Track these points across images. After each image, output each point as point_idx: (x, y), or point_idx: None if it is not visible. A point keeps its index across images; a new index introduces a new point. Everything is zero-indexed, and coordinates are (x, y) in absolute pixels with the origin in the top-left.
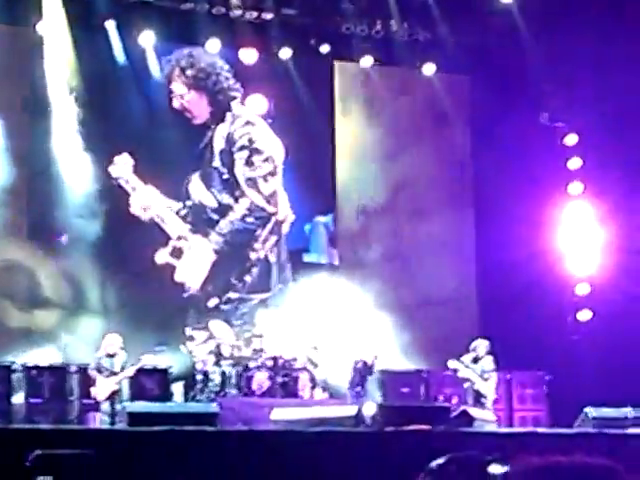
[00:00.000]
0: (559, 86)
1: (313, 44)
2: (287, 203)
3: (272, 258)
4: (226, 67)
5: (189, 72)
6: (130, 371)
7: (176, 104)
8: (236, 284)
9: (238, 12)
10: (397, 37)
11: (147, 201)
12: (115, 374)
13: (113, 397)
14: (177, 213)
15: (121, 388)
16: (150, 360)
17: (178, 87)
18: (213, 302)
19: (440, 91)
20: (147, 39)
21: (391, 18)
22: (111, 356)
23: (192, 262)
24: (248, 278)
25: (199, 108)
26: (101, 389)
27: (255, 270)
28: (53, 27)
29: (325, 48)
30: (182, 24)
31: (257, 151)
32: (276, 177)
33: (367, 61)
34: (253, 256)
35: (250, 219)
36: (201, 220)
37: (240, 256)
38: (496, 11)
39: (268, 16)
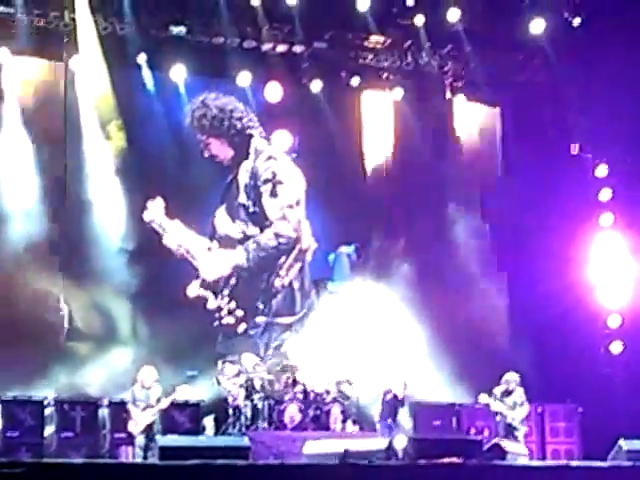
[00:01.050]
0: (589, 117)
1: (344, 77)
2: (309, 232)
3: (296, 285)
4: (240, 106)
5: (204, 121)
6: (165, 403)
7: (205, 153)
8: (262, 308)
9: (269, 45)
10: (427, 69)
11: (178, 239)
12: (151, 407)
13: (148, 430)
14: (206, 249)
15: (156, 421)
16: (184, 392)
17: (200, 136)
18: (242, 327)
19: (470, 123)
20: (178, 73)
21: (421, 50)
22: (147, 389)
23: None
24: (273, 303)
25: (223, 151)
26: (137, 422)
27: (280, 296)
28: (87, 62)
29: (356, 80)
30: (213, 58)
31: (280, 183)
32: (299, 207)
33: (398, 93)
34: (277, 283)
35: (273, 243)
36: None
37: (265, 281)
38: (525, 42)
39: (299, 49)
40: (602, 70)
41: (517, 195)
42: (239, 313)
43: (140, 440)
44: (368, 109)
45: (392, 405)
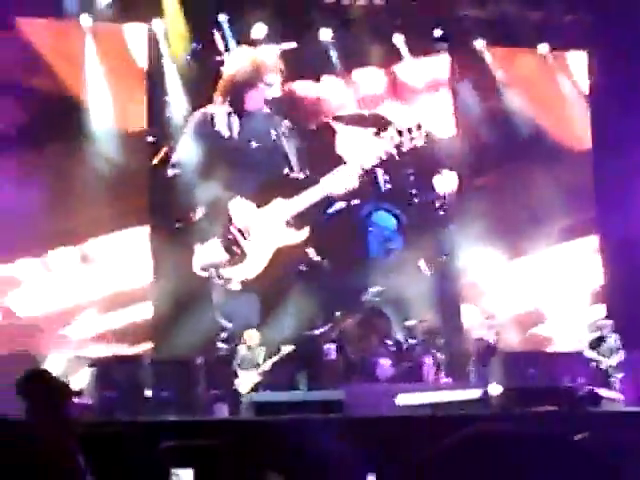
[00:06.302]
0: None
1: (426, 28)
2: None
3: None
4: None
5: None
6: (270, 363)
7: None
8: None
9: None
10: (510, 17)
11: None
12: (256, 367)
13: (254, 389)
14: None
15: (262, 380)
16: (287, 351)
17: None
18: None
19: (557, 70)
20: (260, 32)
21: None
22: (252, 349)
23: None
24: None
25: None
26: (243, 382)
27: None
28: (169, 23)
29: (438, 32)
30: (294, 15)
31: None
32: None
33: (480, 43)
34: None
35: None
36: None
37: None
38: None
39: (379, 2)
40: None
41: (608, 142)
42: None
43: (246, 399)
44: (451, 59)
45: (485, 354)
